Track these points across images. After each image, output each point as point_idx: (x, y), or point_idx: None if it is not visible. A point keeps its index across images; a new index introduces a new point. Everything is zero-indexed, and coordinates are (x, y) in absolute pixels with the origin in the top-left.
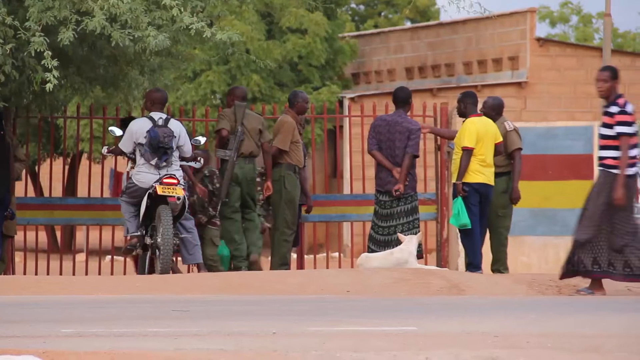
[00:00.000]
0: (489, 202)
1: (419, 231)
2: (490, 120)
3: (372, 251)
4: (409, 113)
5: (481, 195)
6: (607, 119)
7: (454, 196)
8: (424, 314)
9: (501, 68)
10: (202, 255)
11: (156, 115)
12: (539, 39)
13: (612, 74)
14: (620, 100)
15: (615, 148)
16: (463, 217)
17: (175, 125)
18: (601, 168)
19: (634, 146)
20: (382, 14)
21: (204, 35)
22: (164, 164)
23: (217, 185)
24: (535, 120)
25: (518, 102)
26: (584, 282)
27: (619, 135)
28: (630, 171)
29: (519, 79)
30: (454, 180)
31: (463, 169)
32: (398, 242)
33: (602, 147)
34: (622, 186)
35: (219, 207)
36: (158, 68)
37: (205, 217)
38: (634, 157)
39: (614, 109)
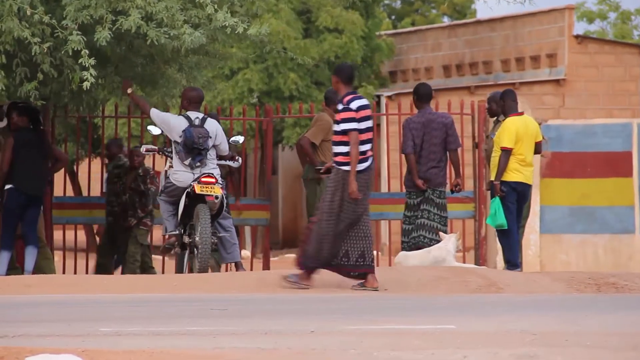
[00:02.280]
0: (526, 200)
1: (446, 230)
2: (531, 119)
3: (403, 243)
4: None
5: (519, 193)
6: (336, 116)
7: (492, 195)
8: (462, 312)
9: (539, 65)
10: (127, 254)
11: (193, 114)
12: (577, 36)
13: (333, 73)
14: (346, 98)
15: (344, 144)
16: (499, 217)
17: (211, 125)
18: (334, 165)
19: (367, 141)
20: (419, 11)
21: (236, 32)
22: (198, 164)
23: (149, 186)
24: (574, 118)
25: (556, 99)
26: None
27: (346, 131)
28: (362, 166)
29: (557, 76)
30: (492, 178)
31: (502, 169)
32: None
33: (334, 143)
34: (354, 181)
35: (149, 209)
36: (195, 66)
37: (135, 219)
38: (364, 152)
39: (339, 107)
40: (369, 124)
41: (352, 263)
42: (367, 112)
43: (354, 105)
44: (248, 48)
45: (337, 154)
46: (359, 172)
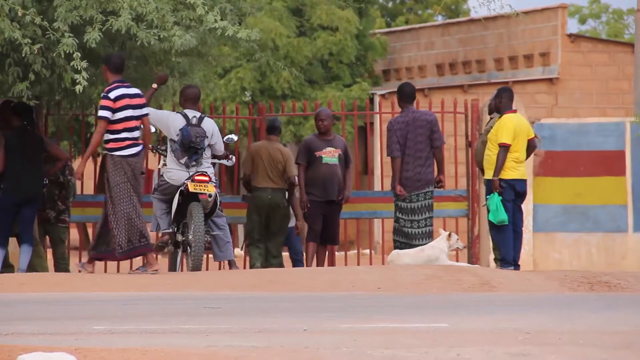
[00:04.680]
0: (525, 196)
1: (432, 229)
2: (523, 117)
3: (400, 244)
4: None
5: (517, 192)
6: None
7: (487, 192)
8: (455, 310)
9: (532, 64)
10: (54, 255)
11: (190, 113)
12: (570, 35)
13: (103, 62)
14: (108, 87)
15: (110, 131)
16: (501, 213)
17: (208, 125)
18: (105, 152)
19: (134, 129)
20: (410, 10)
21: (226, 34)
22: (193, 163)
23: (69, 177)
24: (567, 117)
25: (549, 98)
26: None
27: (99, 118)
28: (130, 151)
29: (550, 75)
30: (487, 176)
31: (500, 165)
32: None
33: (107, 131)
34: (83, 164)
35: (69, 201)
36: (189, 69)
37: (54, 212)
38: (134, 139)
39: (102, 95)
40: (135, 112)
41: (137, 245)
42: (132, 101)
43: (113, 94)
44: (240, 47)
45: (107, 141)
46: (129, 156)
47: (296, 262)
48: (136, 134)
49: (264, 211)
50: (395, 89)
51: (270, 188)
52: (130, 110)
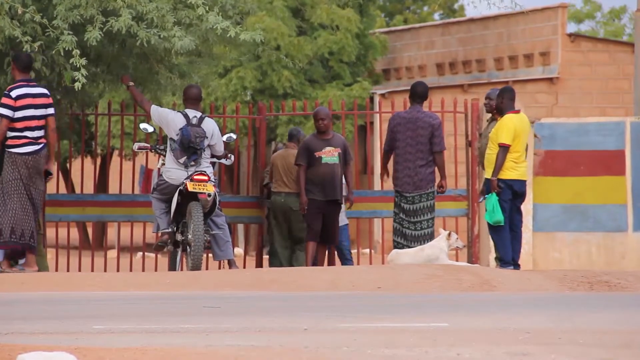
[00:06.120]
0: (524, 197)
1: (433, 230)
2: (526, 117)
3: (400, 245)
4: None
5: (515, 192)
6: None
7: (487, 192)
8: (455, 310)
9: (532, 64)
10: None
11: (191, 113)
12: (570, 35)
13: (11, 60)
14: (11, 86)
15: (12, 129)
16: (497, 213)
17: (208, 125)
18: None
19: (37, 128)
20: (409, 9)
21: (227, 35)
22: (192, 163)
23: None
24: (567, 116)
25: (549, 97)
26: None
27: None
28: (29, 149)
29: (550, 74)
30: (487, 175)
31: (499, 166)
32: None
33: (10, 129)
34: (5, 161)
35: None
36: (189, 65)
37: None
38: (34, 138)
39: (4, 94)
40: (38, 112)
41: (14, 240)
42: (35, 101)
43: (14, 93)
44: (242, 47)
45: (7, 138)
46: (25, 154)
47: (345, 261)
48: (37, 133)
49: (279, 214)
50: (396, 89)
51: (284, 192)
52: (32, 110)
